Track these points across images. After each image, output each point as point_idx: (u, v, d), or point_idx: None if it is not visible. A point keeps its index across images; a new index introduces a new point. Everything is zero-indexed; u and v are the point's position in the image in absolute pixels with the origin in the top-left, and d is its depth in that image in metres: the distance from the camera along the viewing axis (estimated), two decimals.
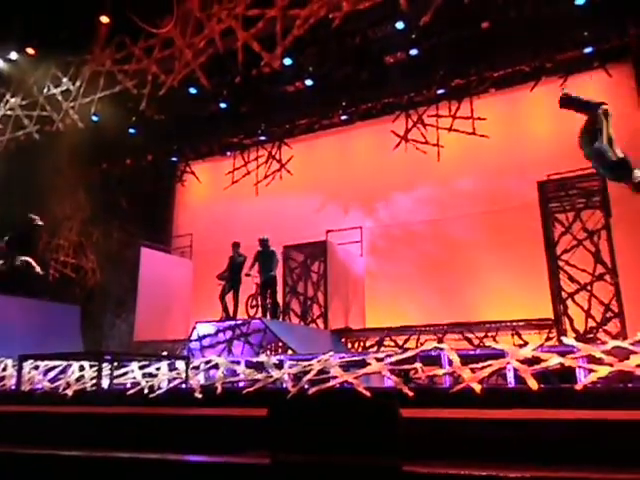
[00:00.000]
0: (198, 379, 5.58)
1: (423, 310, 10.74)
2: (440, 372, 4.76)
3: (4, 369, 6.46)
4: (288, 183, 13.04)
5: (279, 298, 10.11)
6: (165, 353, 8.90)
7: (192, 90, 11.07)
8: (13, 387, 5.99)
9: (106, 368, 5.54)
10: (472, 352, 5.56)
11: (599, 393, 3.99)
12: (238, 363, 5.68)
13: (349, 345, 10.26)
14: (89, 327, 12.83)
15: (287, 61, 9.96)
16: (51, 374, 5.99)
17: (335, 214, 12.35)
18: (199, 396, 4.84)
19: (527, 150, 10.59)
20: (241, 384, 5.34)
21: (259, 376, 5.18)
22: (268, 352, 8.14)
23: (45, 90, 12.13)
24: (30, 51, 11.80)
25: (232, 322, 9.06)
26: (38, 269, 8.94)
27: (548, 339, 8.51)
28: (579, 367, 4.26)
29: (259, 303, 9.88)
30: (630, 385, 4.11)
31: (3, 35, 11.43)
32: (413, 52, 9.96)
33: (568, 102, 4.73)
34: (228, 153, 14.15)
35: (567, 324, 8.03)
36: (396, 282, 11.43)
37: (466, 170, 11.25)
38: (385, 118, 12.11)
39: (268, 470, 2.39)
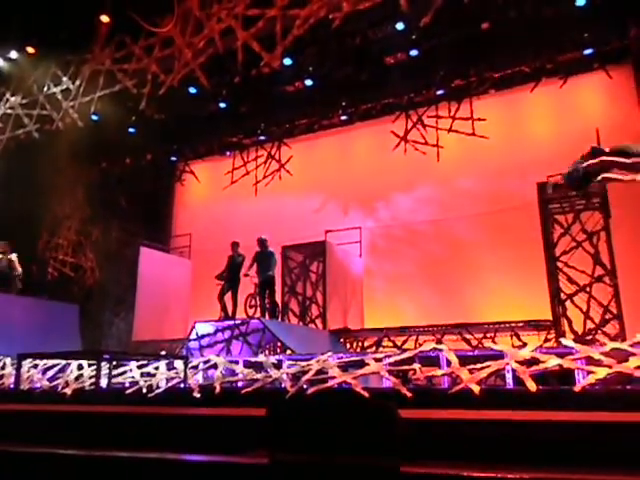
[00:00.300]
0: (197, 379, 5.58)
1: (422, 311, 10.75)
2: (439, 373, 4.76)
3: (3, 367, 6.46)
4: (287, 183, 13.05)
5: (278, 298, 10.12)
6: (164, 352, 8.90)
7: (192, 90, 11.07)
8: (12, 386, 5.99)
9: (105, 367, 5.53)
10: (471, 353, 5.56)
11: (598, 395, 3.99)
12: (237, 363, 5.67)
13: (347, 345, 10.27)
14: (88, 326, 12.82)
15: (287, 61, 9.96)
16: (50, 373, 5.98)
17: (334, 214, 12.35)
18: (198, 396, 4.84)
19: (527, 151, 10.60)
20: (240, 384, 5.34)
21: (258, 376, 5.18)
22: (267, 352, 8.14)
23: (45, 89, 12.13)
24: (30, 50, 11.79)
25: (231, 322, 9.06)
26: (19, 270, 8.95)
27: (547, 340, 8.52)
28: (578, 369, 4.26)
29: (258, 303, 9.88)
30: (629, 387, 4.11)
31: (3, 34, 11.42)
32: (413, 53, 9.96)
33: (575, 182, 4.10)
34: (227, 153, 14.16)
35: (566, 325, 8.04)
36: (395, 282, 11.44)
37: (466, 171, 11.26)
38: (385, 118, 12.12)
39: (267, 470, 2.39)
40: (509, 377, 4.45)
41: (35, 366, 6.06)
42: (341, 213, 12.43)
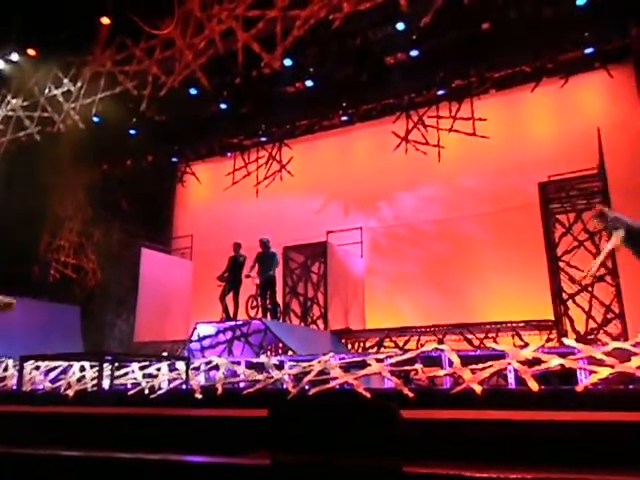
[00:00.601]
0: (198, 380, 5.58)
1: (423, 311, 10.74)
2: (441, 373, 4.76)
3: (5, 369, 6.47)
4: (288, 184, 13.05)
5: (279, 299, 10.12)
6: (165, 354, 8.91)
7: (192, 91, 11.08)
8: (14, 387, 5.99)
9: (107, 368, 5.54)
10: (472, 353, 5.55)
11: (600, 394, 3.98)
12: (238, 364, 5.68)
13: (349, 346, 10.26)
14: (90, 327, 12.84)
15: (287, 62, 9.97)
16: (52, 374, 5.99)
17: (335, 215, 12.36)
18: (199, 397, 4.84)
19: (528, 151, 10.60)
20: (241, 385, 5.34)
21: (259, 377, 5.17)
22: (268, 353, 8.14)
23: (46, 91, 12.13)
24: (31, 52, 11.80)
25: (232, 323, 9.06)
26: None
27: (549, 340, 8.50)
28: (580, 368, 4.26)
29: (259, 304, 9.88)
30: (631, 387, 4.11)
31: (4, 36, 11.44)
32: (413, 53, 9.96)
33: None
34: (228, 154, 14.17)
35: (568, 325, 8.04)
36: (396, 282, 11.44)
37: (467, 170, 11.26)
38: (385, 119, 12.12)
39: (268, 471, 2.39)
40: (511, 377, 4.45)
41: (37, 368, 6.07)
42: (342, 214, 12.43)
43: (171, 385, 5.40)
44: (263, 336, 8.50)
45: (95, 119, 11.87)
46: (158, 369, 5.74)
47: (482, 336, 9.20)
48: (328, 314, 10.07)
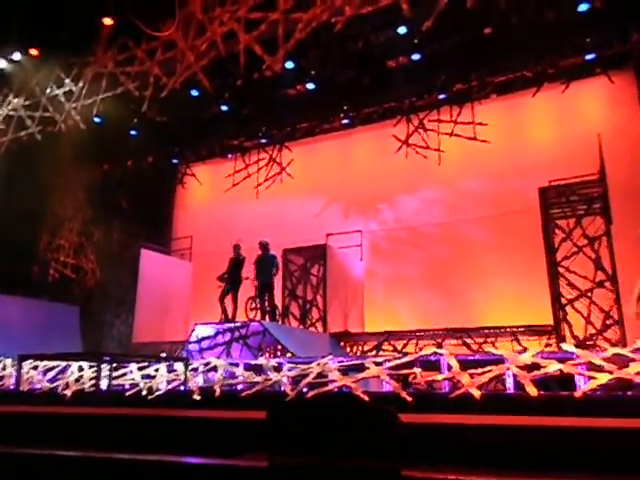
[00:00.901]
0: (197, 381, 5.57)
1: (422, 315, 10.75)
2: (439, 377, 4.76)
3: (3, 368, 6.46)
4: (289, 186, 13.06)
5: (278, 301, 10.11)
6: (164, 355, 8.90)
7: (194, 92, 11.10)
8: (12, 387, 5.99)
9: (105, 369, 5.53)
10: (471, 357, 5.55)
11: (598, 400, 3.98)
12: (237, 365, 5.67)
13: (348, 349, 10.26)
14: (89, 327, 12.84)
15: (289, 64, 9.97)
16: (50, 374, 5.98)
17: (335, 218, 12.37)
18: (198, 398, 4.83)
19: (529, 155, 10.62)
20: (240, 386, 5.34)
21: (258, 379, 5.17)
22: (267, 355, 8.13)
23: (48, 91, 12.15)
24: (33, 52, 11.82)
25: (231, 324, 9.05)
26: None
27: (547, 345, 8.50)
28: (579, 374, 4.25)
29: (257, 306, 9.88)
30: (629, 393, 4.10)
31: (5, 36, 11.45)
32: (415, 57, 9.97)
33: None
34: (229, 155, 14.17)
35: (567, 330, 8.03)
36: (396, 286, 11.45)
37: (468, 174, 11.28)
38: (386, 122, 12.13)
39: (265, 473, 2.39)
40: (510, 382, 4.44)
41: (35, 367, 6.06)
42: (342, 216, 12.44)
43: (169, 386, 5.39)
44: (262, 338, 8.49)
45: (96, 119, 11.88)
46: (156, 370, 5.73)
47: (481, 341, 9.19)
48: (327, 317, 10.07)
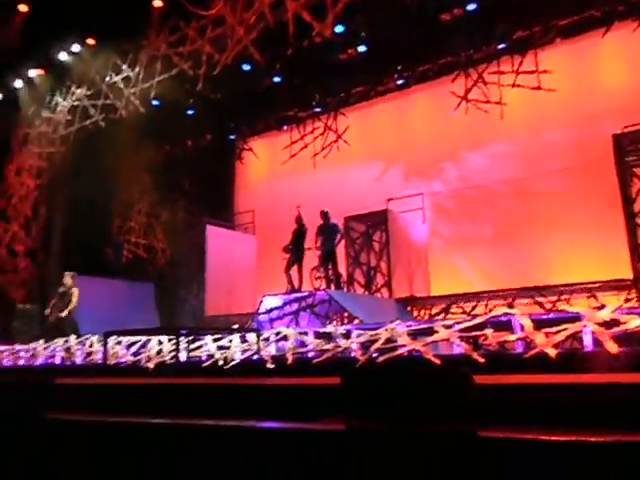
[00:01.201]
0: (269, 350, 5.73)
1: (490, 275, 10.50)
2: (512, 338, 4.63)
3: (91, 345, 6.91)
4: (346, 153, 12.92)
5: (342, 269, 10.17)
6: (236, 326, 9.20)
7: (245, 67, 11.13)
8: (100, 361, 6.40)
9: (183, 342, 5.79)
10: (545, 316, 5.38)
11: None
12: (306, 334, 5.77)
13: (415, 313, 10.22)
14: (163, 303, 13.48)
15: (339, 28, 9.78)
16: (133, 348, 6.33)
17: (395, 182, 12.19)
18: (271, 366, 4.97)
19: (599, 102, 9.98)
20: (310, 354, 5.44)
21: (327, 346, 5.24)
22: (334, 322, 8.23)
23: (107, 78, 12.56)
24: (90, 41, 12.21)
25: (298, 294, 9.22)
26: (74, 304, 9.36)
27: (627, 301, 8.11)
28: None
29: (322, 275, 9.99)
30: None
31: (65, 29, 11.87)
32: (470, 7, 9.51)
33: None
34: (284, 127, 14.17)
35: None
36: (462, 247, 11.21)
37: (533, 127, 10.76)
38: (443, 79, 11.69)
39: (343, 436, 2.44)
40: (587, 340, 4.27)
41: (119, 342, 6.43)
42: (402, 180, 12.24)
43: (243, 356, 5.57)
44: (328, 306, 8.60)
45: (154, 102, 12.18)
46: (230, 341, 5.94)
47: (554, 299, 8.89)
48: (392, 282, 10.04)
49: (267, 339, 5.92)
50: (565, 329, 4.32)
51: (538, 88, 10.28)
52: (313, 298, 8.88)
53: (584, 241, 9.56)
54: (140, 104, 12.06)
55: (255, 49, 10.04)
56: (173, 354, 5.74)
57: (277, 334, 5.90)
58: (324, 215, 9.93)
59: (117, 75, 12.39)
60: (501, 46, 10.68)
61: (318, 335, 5.80)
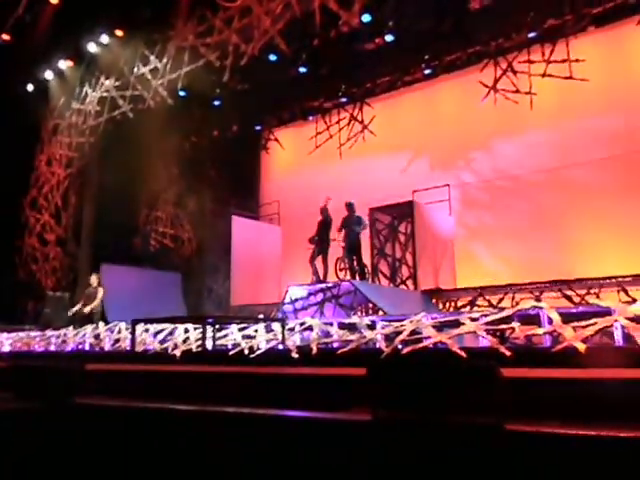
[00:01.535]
0: (294, 340, 5.77)
1: (517, 268, 10.34)
2: (540, 331, 4.57)
3: (119, 332, 7.06)
4: (372, 144, 12.84)
5: (367, 260, 10.14)
6: (261, 316, 9.29)
7: (272, 57, 11.11)
8: (128, 348, 6.54)
9: (209, 330, 5.88)
10: (574, 310, 5.29)
11: None
12: (331, 324, 5.79)
13: (440, 306, 10.14)
14: (189, 292, 13.68)
15: (365, 17, 9.68)
16: (160, 336, 6.45)
17: (422, 173, 12.07)
18: (296, 356, 5.01)
19: (635, 90, 9.67)
20: (335, 344, 5.46)
21: (352, 337, 5.25)
22: (359, 313, 8.23)
23: (135, 69, 12.70)
24: (118, 33, 12.36)
25: (323, 285, 9.24)
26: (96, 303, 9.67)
27: None
28: None
29: (347, 266, 9.99)
30: None
31: (94, 21, 12.04)
32: None
33: None
34: (310, 117, 14.15)
35: None
36: (488, 240, 11.07)
37: (564, 117, 10.51)
38: (471, 68, 11.49)
39: (369, 426, 2.44)
40: (618, 334, 4.19)
41: (147, 330, 6.55)
42: (429, 171, 12.11)
43: (268, 345, 5.63)
44: (353, 297, 8.60)
45: (181, 93, 12.28)
46: (256, 330, 6.00)
47: (583, 292, 8.72)
48: (417, 274, 9.97)
49: (292, 329, 5.96)
50: (594, 323, 4.24)
51: (570, 77, 10.01)
52: (338, 289, 8.89)
53: (616, 233, 9.34)
54: (167, 95, 12.18)
55: (281, 39, 10.04)
56: (199, 342, 5.82)
57: (302, 324, 5.94)
58: (349, 207, 9.91)
59: (145, 66, 12.52)
60: (531, 34, 10.43)
61: (343, 326, 5.81)
